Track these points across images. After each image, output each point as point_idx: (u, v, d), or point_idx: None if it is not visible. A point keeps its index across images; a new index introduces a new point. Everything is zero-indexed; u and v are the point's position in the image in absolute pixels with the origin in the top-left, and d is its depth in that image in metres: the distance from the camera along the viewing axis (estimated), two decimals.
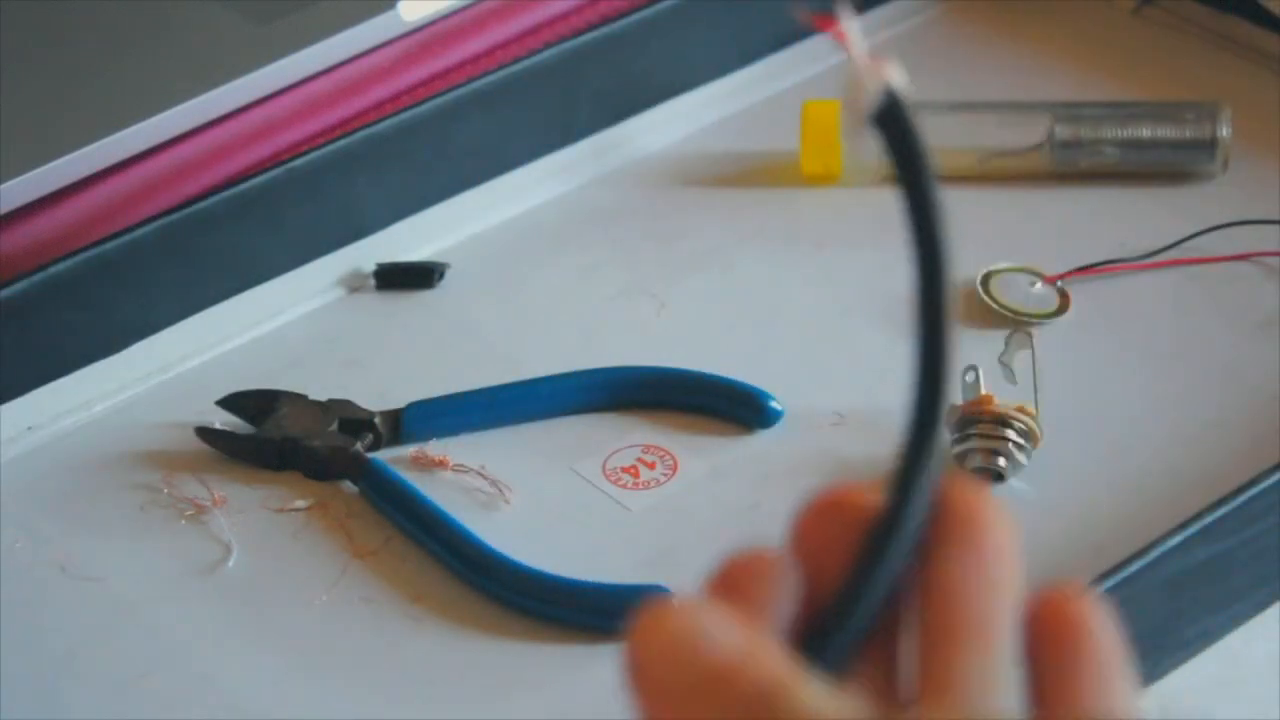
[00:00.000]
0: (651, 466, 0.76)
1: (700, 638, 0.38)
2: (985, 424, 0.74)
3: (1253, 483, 0.70)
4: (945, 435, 0.75)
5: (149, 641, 0.71)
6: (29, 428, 0.80)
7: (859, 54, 0.41)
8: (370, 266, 0.86)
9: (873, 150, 0.42)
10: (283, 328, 0.84)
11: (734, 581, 0.39)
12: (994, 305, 0.82)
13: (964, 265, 0.85)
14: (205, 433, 0.78)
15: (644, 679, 0.38)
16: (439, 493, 0.75)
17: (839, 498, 0.40)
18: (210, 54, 0.89)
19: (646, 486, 0.76)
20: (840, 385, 0.79)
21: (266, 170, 0.83)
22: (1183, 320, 0.82)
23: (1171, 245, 0.84)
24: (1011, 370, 0.77)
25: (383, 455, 0.77)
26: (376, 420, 0.77)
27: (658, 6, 0.91)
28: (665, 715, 0.38)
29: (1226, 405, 0.78)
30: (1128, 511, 0.73)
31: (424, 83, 0.92)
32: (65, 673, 0.71)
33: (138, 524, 0.75)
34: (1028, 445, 0.74)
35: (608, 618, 0.70)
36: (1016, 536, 0.40)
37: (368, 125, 0.85)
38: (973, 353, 0.77)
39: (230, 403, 0.78)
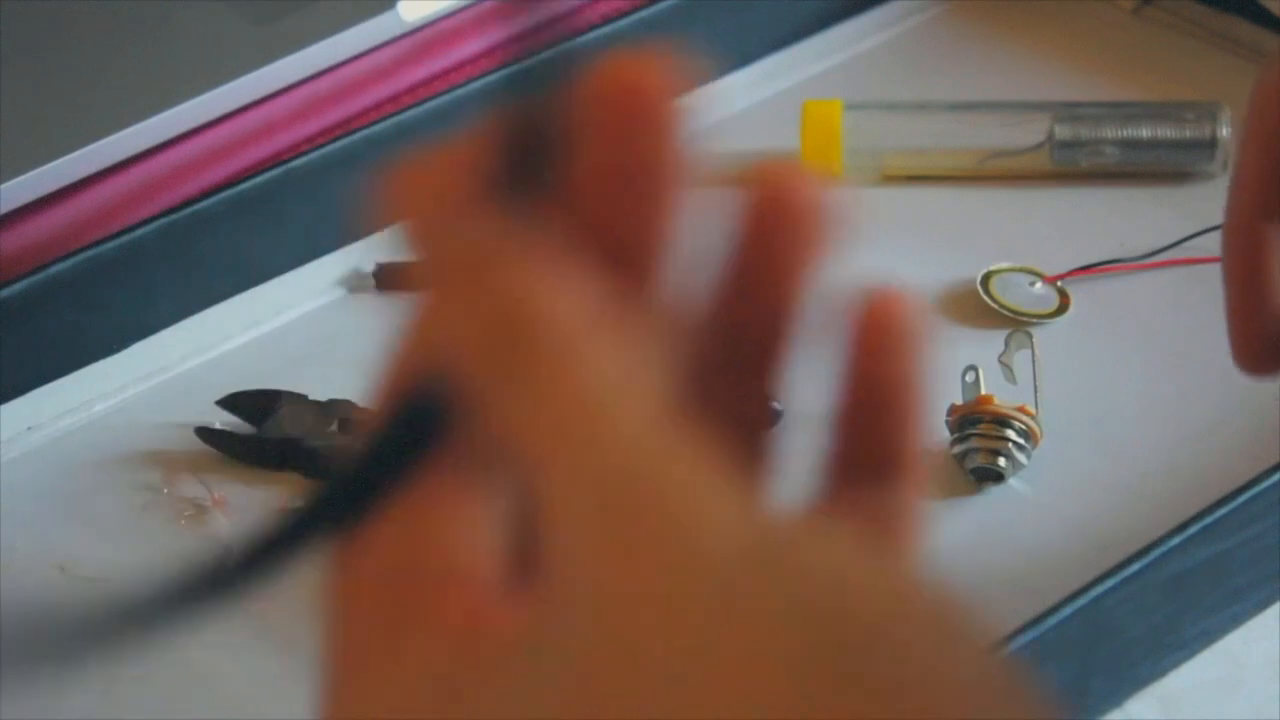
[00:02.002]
0: None
1: (469, 225, 0.32)
2: (985, 424, 0.74)
3: (1253, 483, 0.70)
4: (945, 434, 0.75)
5: (149, 642, 0.71)
6: (29, 428, 0.80)
7: None
8: (370, 266, 0.86)
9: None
10: (283, 328, 0.84)
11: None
12: (994, 305, 0.82)
13: (964, 265, 0.85)
14: (205, 433, 0.78)
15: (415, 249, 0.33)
16: None
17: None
18: (210, 54, 0.89)
19: None
20: None
21: (266, 170, 0.83)
22: (1183, 320, 0.82)
23: (1171, 245, 0.84)
24: (1011, 370, 0.77)
25: None
26: None
27: (658, 6, 0.91)
28: (425, 301, 0.33)
29: (1226, 405, 0.78)
30: (1128, 511, 0.73)
31: (424, 83, 0.92)
32: (65, 673, 0.70)
33: (138, 524, 0.75)
34: (1028, 445, 0.74)
35: None
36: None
37: (368, 125, 0.85)
38: (973, 353, 0.77)
39: (230, 403, 0.78)
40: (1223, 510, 0.69)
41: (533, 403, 0.31)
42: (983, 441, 0.74)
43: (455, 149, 0.32)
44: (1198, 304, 0.83)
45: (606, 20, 0.91)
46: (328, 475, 0.33)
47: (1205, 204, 0.86)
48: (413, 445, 0.32)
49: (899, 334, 0.38)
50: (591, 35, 0.90)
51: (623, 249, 0.33)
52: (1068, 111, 0.89)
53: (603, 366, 0.31)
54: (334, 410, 0.78)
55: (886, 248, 0.86)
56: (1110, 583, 0.66)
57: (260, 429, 0.77)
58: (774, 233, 0.36)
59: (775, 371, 0.38)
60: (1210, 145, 0.88)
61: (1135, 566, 0.67)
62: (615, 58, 0.32)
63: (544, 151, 0.32)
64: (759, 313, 0.36)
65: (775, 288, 0.36)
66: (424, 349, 0.33)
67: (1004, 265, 0.84)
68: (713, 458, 0.31)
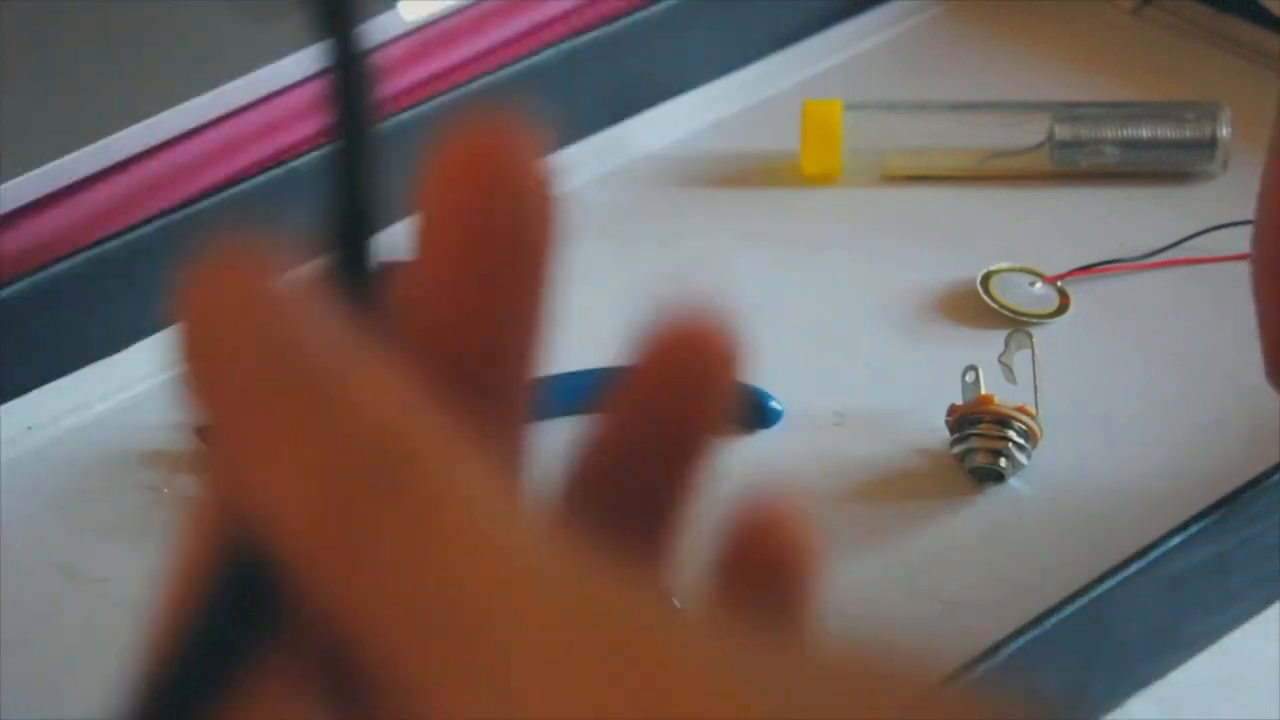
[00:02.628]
0: None
1: (301, 338, 0.24)
2: (985, 424, 0.74)
3: (1253, 483, 0.70)
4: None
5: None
6: (29, 428, 0.80)
7: None
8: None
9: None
10: None
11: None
12: (994, 305, 0.82)
13: (964, 265, 0.85)
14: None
15: (210, 382, 0.25)
16: None
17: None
18: (210, 54, 0.89)
19: None
20: (840, 385, 0.79)
21: (266, 170, 0.83)
22: (1183, 320, 0.82)
23: (1171, 245, 0.85)
24: (1011, 370, 0.77)
25: None
26: None
27: (658, 6, 0.91)
28: (239, 441, 0.25)
29: (1226, 405, 0.78)
30: (1128, 511, 0.73)
31: (424, 83, 0.92)
32: (65, 673, 0.71)
33: (138, 524, 0.75)
34: (1028, 445, 0.74)
35: None
36: None
37: None
38: (973, 353, 0.77)
39: None
40: (1223, 510, 0.69)
41: (416, 587, 0.23)
42: (983, 441, 0.74)
43: (267, 243, 0.26)
44: (1198, 304, 0.83)
45: (606, 20, 0.91)
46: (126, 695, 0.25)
47: (1205, 204, 0.87)
48: (232, 645, 0.25)
49: (786, 540, 0.30)
50: (591, 35, 0.90)
51: (478, 358, 0.27)
52: (1068, 111, 0.89)
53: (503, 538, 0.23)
54: None
55: (886, 248, 0.86)
56: (1110, 583, 0.66)
57: None
58: (677, 371, 0.29)
59: (664, 520, 0.30)
60: (1210, 145, 0.88)
61: (1135, 566, 0.67)
62: (463, 127, 0.27)
63: (373, 247, 0.27)
64: (647, 457, 0.29)
65: (671, 433, 0.29)
66: (242, 508, 0.25)
67: (1004, 265, 0.84)
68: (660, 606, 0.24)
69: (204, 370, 0.25)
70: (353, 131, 0.27)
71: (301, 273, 0.26)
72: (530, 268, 0.27)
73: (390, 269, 0.26)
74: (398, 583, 0.23)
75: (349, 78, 0.27)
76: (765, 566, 0.29)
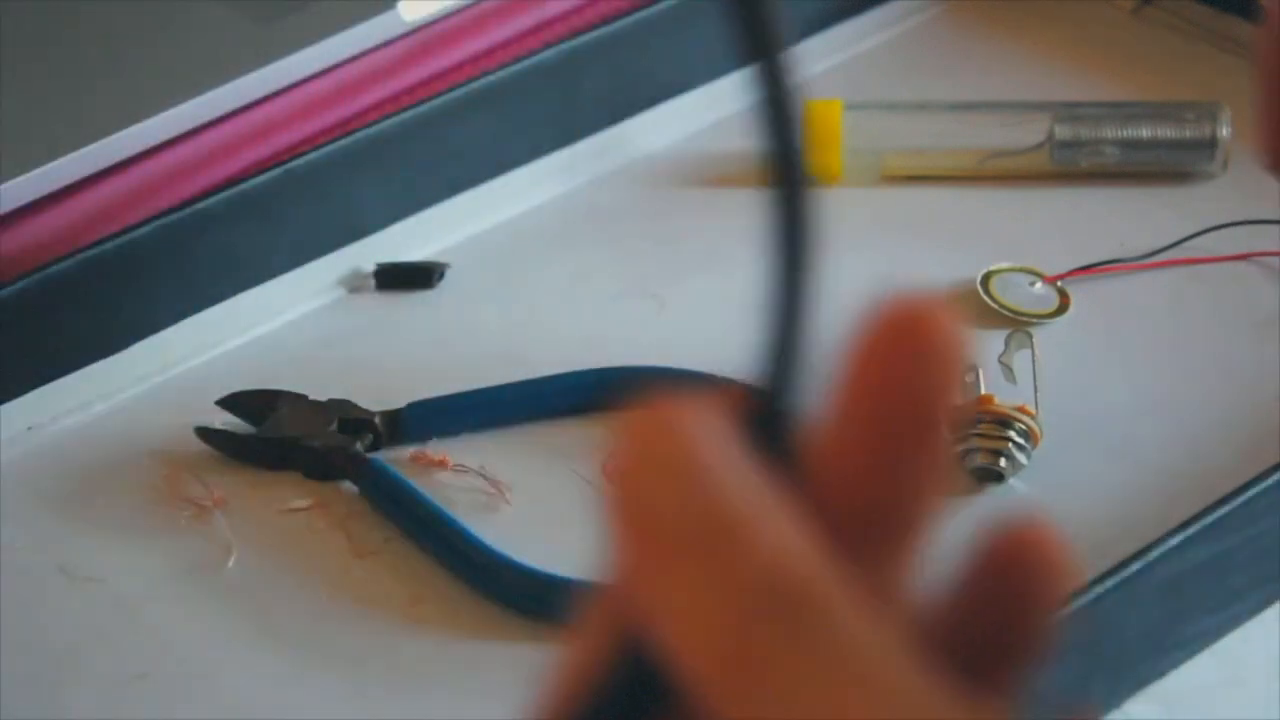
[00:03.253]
0: None
1: (716, 479, 0.27)
2: (985, 424, 0.74)
3: (1253, 483, 0.70)
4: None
5: (149, 641, 0.71)
6: (29, 428, 0.80)
7: None
8: (370, 266, 0.86)
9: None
10: (283, 328, 0.84)
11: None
12: (994, 305, 0.82)
13: (964, 265, 0.85)
14: (205, 433, 0.78)
15: (630, 509, 0.28)
16: (439, 493, 0.75)
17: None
18: (210, 54, 0.89)
19: None
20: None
21: (266, 170, 0.83)
22: (1183, 320, 0.82)
23: (1171, 245, 0.84)
24: (1011, 370, 0.77)
25: (383, 455, 0.77)
26: (376, 420, 0.77)
27: (658, 6, 0.91)
28: (649, 564, 0.28)
29: (1226, 405, 0.78)
30: (1128, 511, 0.73)
31: (424, 83, 0.92)
32: (65, 673, 0.71)
33: (138, 524, 0.75)
34: (1028, 445, 0.74)
35: None
36: None
37: (368, 125, 0.85)
38: (973, 353, 0.77)
39: (230, 403, 0.78)
40: (1223, 510, 0.69)
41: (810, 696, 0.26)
42: (983, 441, 0.74)
43: (706, 398, 0.29)
44: (1198, 304, 0.83)
45: (606, 20, 0.91)
46: None
47: (1205, 204, 0.86)
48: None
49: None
50: (591, 35, 0.90)
51: (877, 515, 0.29)
52: (1068, 111, 0.89)
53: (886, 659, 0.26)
54: (334, 410, 0.78)
55: (886, 248, 0.86)
56: (1110, 583, 0.66)
57: (260, 429, 0.77)
58: (1023, 566, 0.32)
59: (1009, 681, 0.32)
60: (1210, 145, 0.88)
61: (1135, 566, 0.67)
62: (893, 298, 0.30)
63: (788, 426, 0.29)
64: (992, 630, 0.32)
65: (1013, 614, 0.32)
66: (638, 614, 0.27)
67: (1004, 265, 0.84)
68: None
69: (626, 496, 0.28)
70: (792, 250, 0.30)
71: (725, 415, 0.29)
72: (933, 433, 0.30)
73: (805, 419, 0.29)
74: (790, 716, 0.26)
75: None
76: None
